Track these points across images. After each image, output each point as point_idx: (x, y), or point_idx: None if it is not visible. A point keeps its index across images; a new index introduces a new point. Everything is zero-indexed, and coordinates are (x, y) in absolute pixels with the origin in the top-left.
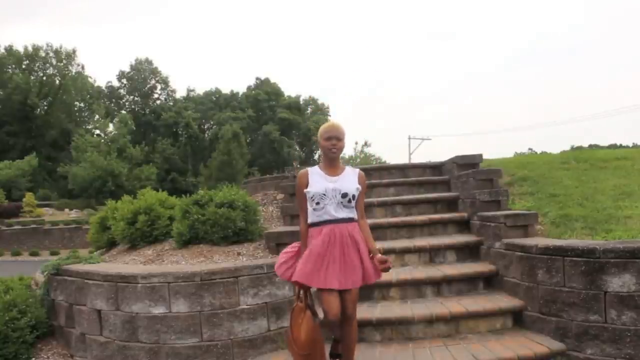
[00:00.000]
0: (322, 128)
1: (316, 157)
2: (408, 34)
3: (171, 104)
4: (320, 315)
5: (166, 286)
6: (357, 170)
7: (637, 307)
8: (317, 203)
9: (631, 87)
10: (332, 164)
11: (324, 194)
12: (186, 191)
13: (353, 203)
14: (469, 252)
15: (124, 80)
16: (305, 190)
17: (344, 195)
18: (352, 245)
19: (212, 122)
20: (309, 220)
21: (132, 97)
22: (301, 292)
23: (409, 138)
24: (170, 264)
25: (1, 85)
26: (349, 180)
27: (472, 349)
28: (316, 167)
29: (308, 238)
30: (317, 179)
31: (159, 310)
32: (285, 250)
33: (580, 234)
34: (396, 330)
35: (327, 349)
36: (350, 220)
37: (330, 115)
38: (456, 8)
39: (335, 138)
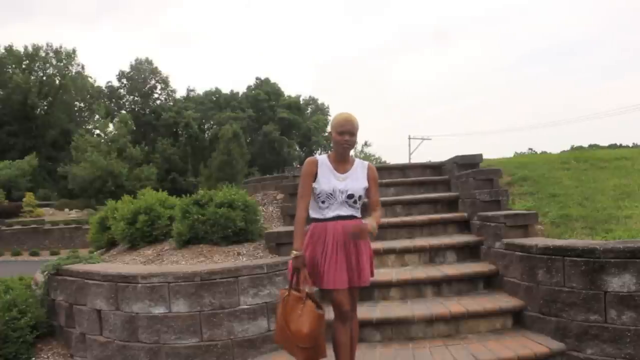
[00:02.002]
0: (335, 120)
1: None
2: (409, 33)
3: (171, 104)
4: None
5: (166, 286)
6: (367, 164)
7: (637, 307)
8: (323, 202)
9: (631, 87)
10: (343, 157)
11: (331, 194)
12: (186, 191)
13: (359, 204)
14: (469, 252)
15: (124, 80)
16: (313, 184)
17: (350, 196)
18: (353, 243)
19: (212, 122)
20: (312, 215)
21: (132, 97)
22: (294, 280)
23: (409, 138)
24: (170, 264)
25: (1, 85)
26: (357, 178)
27: (472, 349)
28: (325, 158)
29: (310, 233)
30: (326, 174)
31: (159, 310)
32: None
33: (580, 234)
34: (396, 330)
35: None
36: (353, 217)
37: (330, 116)
38: (458, 8)
39: (349, 133)
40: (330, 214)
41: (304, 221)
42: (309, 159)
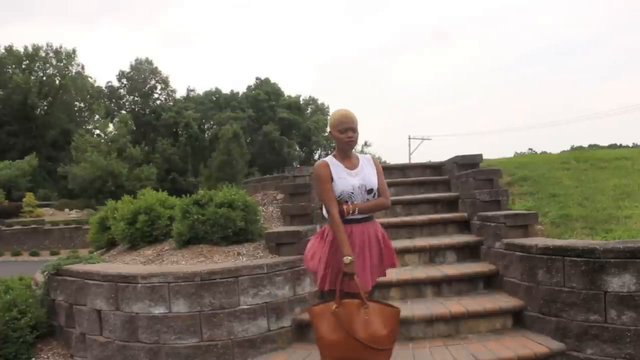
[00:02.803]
0: (334, 118)
1: (316, 157)
2: (409, 33)
3: (171, 104)
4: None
5: (166, 286)
6: (369, 157)
7: (637, 307)
8: (346, 202)
9: (630, 87)
10: (347, 154)
11: (352, 192)
12: (186, 191)
13: (376, 198)
14: (469, 252)
15: (124, 80)
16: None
17: (370, 191)
18: (376, 244)
19: (212, 122)
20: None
21: (132, 97)
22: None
23: (409, 138)
24: (170, 264)
25: (1, 85)
26: (369, 172)
27: (472, 349)
28: (333, 159)
29: (333, 236)
30: (341, 174)
31: (159, 310)
32: (311, 254)
33: (580, 234)
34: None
35: None
36: (372, 217)
37: (329, 116)
38: (457, 8)
39: (351, 129)
40: (356, 215)
41: (341, 225)
42: (319, 162)
